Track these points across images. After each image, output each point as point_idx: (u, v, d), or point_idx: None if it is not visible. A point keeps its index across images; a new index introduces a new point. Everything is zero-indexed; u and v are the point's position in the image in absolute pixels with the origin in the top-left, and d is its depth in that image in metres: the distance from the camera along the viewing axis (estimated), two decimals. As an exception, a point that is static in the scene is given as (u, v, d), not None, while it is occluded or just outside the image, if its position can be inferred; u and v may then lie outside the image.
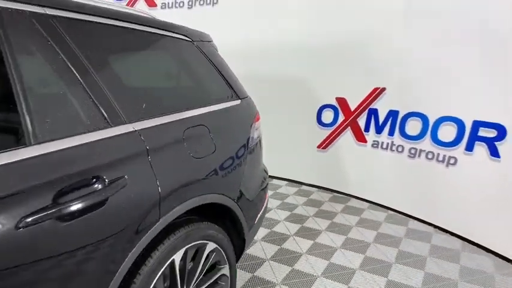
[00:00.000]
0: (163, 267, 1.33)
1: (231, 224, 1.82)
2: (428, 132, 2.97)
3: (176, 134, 1.43)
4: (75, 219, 1.00)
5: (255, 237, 2.80)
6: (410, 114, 3.10)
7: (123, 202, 1.13)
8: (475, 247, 2.72)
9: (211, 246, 1.59)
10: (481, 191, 2.66)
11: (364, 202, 3.57)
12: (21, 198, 0.89)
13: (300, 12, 3.58)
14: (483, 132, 2.62)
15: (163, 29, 1.63)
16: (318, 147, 3.83)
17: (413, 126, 3.09)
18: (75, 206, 1.00)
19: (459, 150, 2.78)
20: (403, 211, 3.27)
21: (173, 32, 1.70)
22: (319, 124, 3.77)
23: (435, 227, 3.02)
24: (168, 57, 1.69)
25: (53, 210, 0.94)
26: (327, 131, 3.74)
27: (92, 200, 1.04)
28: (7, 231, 0.85)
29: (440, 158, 2.91)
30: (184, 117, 1.52)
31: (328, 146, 3.77)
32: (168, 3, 4.38)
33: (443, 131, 2.87)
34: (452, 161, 2.83)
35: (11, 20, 1.02)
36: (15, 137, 0.98)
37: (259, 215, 2.08)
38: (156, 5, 4.43)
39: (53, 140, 1.01)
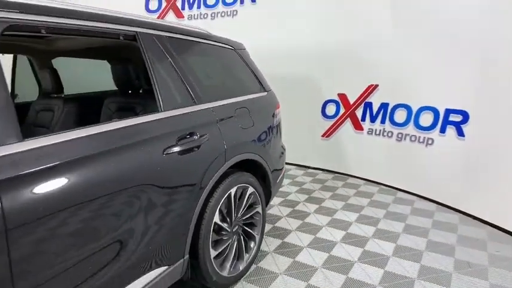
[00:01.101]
0: (225, 196, 2.08)
1: (262, 179, 2.55)
2: (412, 120, 3.71)
3: (231, 112, 2.18)
4: (186, 154, 1.75)
5: (274, 203, 3.54)
6: (398, 106, 3.84)
7: (207, 149, 1.89)
8: (446, 208, 3.44)
9: (250, 190, 2.34)
10: (451, 163, 3.38)
11: (361, 180, 4.30)
12: (161, 139, 1.65)
13: (308, 22, 4.32)
14: (452, 117, 3.35)
15: (217, 42, 2.39)
16: (322, 136, 4.58)
17: (400, 115, 3.83)
18: (186, 146, 1.75)
19: (435, 133, 3.51)
20: (392, 185, 4.00)
21: (223, 43, 2.46)
22: (323, 116, 4.52)
23: (417, 195, 3.74)
24: (221, 61, 2.44)
25: (176, 147, 1.69)
26: (330, 122, 4.48)
27: (193, 144, 1.79)
28: (157, 158, 1.60)
29: (421, 140, 3.64)
30: (234, 101, 2.28)
31: (331, 134, 4.51)
32: (194, 15, 5.14)
33: (423, 118, 3.61)
34: (430, 141, 3.56)
35: (146, 39, 1.78)
36: (155, 107, 1.74)
37: (280, 176, 2.83)
38: (183, 17, 5.20)
39: (171, 109, 1.77)
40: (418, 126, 3.67)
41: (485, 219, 3.11)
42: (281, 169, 2.88)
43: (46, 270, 1.18)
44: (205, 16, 5.06)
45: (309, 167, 4.80)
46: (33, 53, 2.66)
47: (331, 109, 4.44)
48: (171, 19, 5.17)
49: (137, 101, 2.13)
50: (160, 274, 1.69)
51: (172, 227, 1.72)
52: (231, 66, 2.52)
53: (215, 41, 2.38)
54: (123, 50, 2.49)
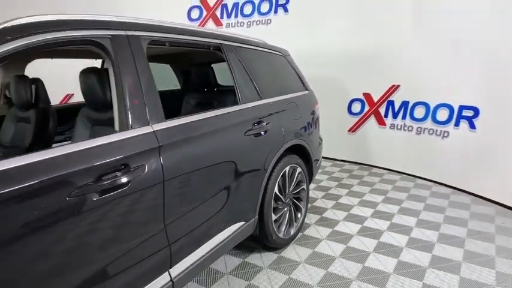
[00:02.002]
0: (281, 173, 2.62)
1: (306, 162, 3.08)
2: (430, 115, 4.19)
3: (284, 106, 2.73)
4: (258, 137, 2.30)
5: (309, 188, 4.07)
6: (417, 103, 4.33)
7: (272, 134, 2.44)
8: (460, 191, 3.91)
9: (299, 169, 2.88)
10: (464, 152, 3.85)
11: (384, 169, 4.79)
12: (243, 124, 2.20)
13: (336, 29, 4.84)
14: (465, 112, 3.82)
15: (271, 49, 2.94)
16: (348, 131, 5.08)
17: (419, 112, 4.31)
18: (258, 130, 2.30)
19: (450, 126, 3.99)
20: (412, 173, 4.48)
21: (275, 50, 3.01)
22: (349, 113, 5.03)
23: (434, 182, 4.21)
24: (274, 64, 2.98)
25: (252, 131, 2.25)
26: (355, 118, 4.99)
27: (262, 129, 2.34)
28: (241, 137, 2.16)
29: (438, 133, 4.12)
30: (286, 97, 2.82)
31: (356, 129, 5.02)
32: (231, 23, 5.72)
33: (440, 113, 4.09)
34: (446, 134, 4.04)
35: (227, 49, 2.34)
36: (234, 100, 2.30)
37: (319, 161, 3.36)
38: (222, 25, 5.79)
39: (246, 102, 2.32)
40: (435, 121, 4.15)
41: (494, 199, 3.58)
42: (319, 155, 3.41)
43: (181, 210, 1.74)
44: (242, 24, 5.63)
45: (336, 159, 5.31)
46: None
47: (356, 107, 4.95)
48: (210, 27, 5.76)
49: (214, 96, 2.70)
50: (240, 227, 2.25)
51: (249, 193, 2.28)
52: (281, 69, 3.06)
53: (269, 49, 2.93)
54: (204, 57, 3.01)
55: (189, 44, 2.10)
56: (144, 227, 1.55)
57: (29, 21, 1.33)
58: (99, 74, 1.77)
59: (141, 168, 1.50)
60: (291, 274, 2.42)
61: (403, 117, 4.50)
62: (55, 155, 1.25)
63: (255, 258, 2.63)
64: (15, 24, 1.30)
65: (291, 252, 2.72)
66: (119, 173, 1.41)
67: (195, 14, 5.94)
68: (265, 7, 5.48)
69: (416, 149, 4.41)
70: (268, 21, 5.42)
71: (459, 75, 3.84)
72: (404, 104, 4.48)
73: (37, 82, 2.36)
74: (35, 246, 1.17)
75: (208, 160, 1.90)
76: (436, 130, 4.15)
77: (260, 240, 2.61)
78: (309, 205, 3.58)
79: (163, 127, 1.67)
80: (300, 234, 2.98)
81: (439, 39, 4.00)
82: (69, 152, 1.30)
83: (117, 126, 1.56)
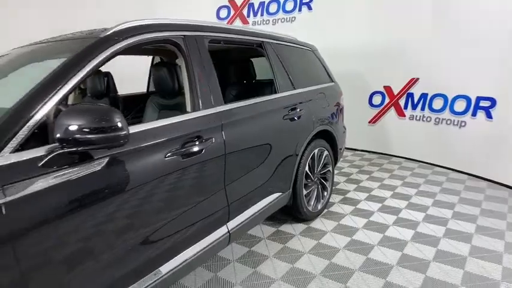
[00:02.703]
0: (311, 155, 3.00)
1: (331, 147, 3.45)
2: (448, 106, 4.48)
3: (314, 95, 3.10)
4: (293, 121, 2.69)
5: (335, 172, 4.43)
6: (436, 95, 4.61)
7: (304, 120, 2.82)
8: (476, 177, 4.20)
9: (325, 152, 3.25)
10: (481, 141, 4.13)
11: (402, 158, 5.10)
12: (280, 109, 2.59)
13: (358, 25, 5.16)
14: (482, 103, 4.10)
15: (301, 45, 3.31)
16: (369, 122, 5.40)
17: (437, 103, 4.60)
18: (293, 116, 2.69)
19: (468, 117, 4.27)
20: (429, 162, 4.78)
21: (304, 46, 3.38)
22: (370, 105, 5.35)
23: (451, 169, 4.51)
24: (304, 58, 3.34)
25: (289, 116, 2.64)
26: (376, 110, 5.30)
27: (296, 115, 2.73)
28: (280, 121, 2.55)
29: (456, 123, 4.40)
30: (315, 88, 3.19)
31: (376, 121, 5.34)
32: (257, 21, 6.10)
33: (457, 104, 4.37)
34: (463, 124, 4.32)
35: (268, 45, 2.73)
36: (273, 89, 2.69)
37: (343, 147, 3.72)
38: (248, 23, 6.17)
39: (283, 91, 2.71)
40: (453, 111, 4.44)
41: (507, 184, 3.86)
42: (343, 142, 3.77)
43: (236, 177, 2.15)
44: (267, 22, 6.01)
45: (356, 149, 5.64)
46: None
47: (377, 99, 5.26)
48: (237, 24, 6.15)
49: (253, 87, 3.10)
50: (278, 197, 2.64)
51: (286, 168, 2.67)
52: (310, 63, 3.43)
53: (300, 45, 3.30)
54: (246, 52, 3.37)
55: (238, 41, 2.50)
56: (211, 186, 1.97)
57: (132, 25, 1.75)
58: (169, 68, 2.19)
59: (210, 139, 1.91)
60: (320, 240, 2.81)
61: (422, 109, 4.79)
62: (157, 125, 1.69)
63: (287, 227, 3.02)
64: (122, 28, 1.72)
65: (319, 223, 3.10)
66: (196, 142, 1.83)
67: (223, 13, 6.35)
68: (289, 5, 5.83)
69: (434, 139, 4.70)
70: (293, 19, 5.78)
71: (476, 67, 4.11)
72: (423, 96, 4.77)
73: (108, 75, 2.81)
74: (148, 187, 1.60)
75: (255, 137, 2.31)
76: (454, 120, 4.43)
77: (292, 211, 2.99)
78: (333, 187, 3.95)
79: (223, 109, 2.08)
80: (325, 210, 3.36)
81: (457, 33, 4.27)
82: (163, 124, 1.72)
83: (189, 108, 1.97)
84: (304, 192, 2.98)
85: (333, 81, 3.66)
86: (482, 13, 4.01)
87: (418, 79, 4.81)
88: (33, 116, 1.30)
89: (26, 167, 1.23)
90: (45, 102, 1.34)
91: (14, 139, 1.24)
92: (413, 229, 2.95)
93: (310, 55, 3.45)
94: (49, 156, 1.27)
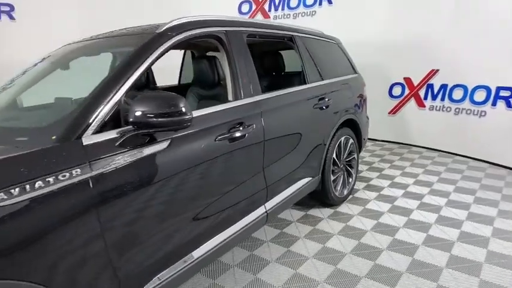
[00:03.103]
0: (337, 142, 3.15)
1: (356, 134, 3.58)
2: (468, 97, 4.56)
3: (340, 86, 3.24)
4: (322, 110, 2.85)
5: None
6: (456, 86, 4.69)
7: (331, 109, 2.97)
8: (496, 165, 4.28)
9: (351, 140, 3.40)
10: (500, 130, 4.21)
11: (422, 148, 5.20)
12: (311, 99, 2.75)
13: (377, 18, 5.25)
14: (503, 93, 4.17)
15: (327, 38, 3.45)
16: (389, 113, 5.51)
17: (457, 93, 4.68)
18: (322, 105, 2.85)
19: (488, 106, 4.35)
20: (449, 151, 4.87)
21: (329, 39, 3.51)
22: (390, 96, 5.44)
23: (471, 158, 4.59)
24: (329, 51, 3.48)
25: (318, 105, 2.80)
26: (396, 101, 5.40)
27: (325, 104, 2.88)
28: (311, 109, 2.71)
29: (476, 113, 4.48)
30: (340, 79, 3.33)
31: (396, 111, 5.43)
32: (278, 15, 6.23)
33: (477, 94, 4.45)
34: (483, 113, 4.40)
35: (297, 39, 2.88)
36: (302, 80, 2.84)
37: (366, 136, 3.86)
38: (269, 17, 6.31)
39: (312, 82, 2.87)
40: (473, 101, 4.52)
41: (529, 171, 3.95)
42: (367, 131, 3.91)
43: (273, 160, 2.33)
44: (288, 16, 6.13)
45: (376, 140, 5.75)
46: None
47: (397, 90, 5.36)
48: (259, 17, 6.30)
49: (283, 78, 3.26)
50: (308, 181, 2.81)
51: (315, 154, 2.84)
52: (335, 55, 3.56)
53: (326, 38, 3.44)
54: (276, 46, 3.53)
55: (271, 35, 2.66)
56: (252, 168, 2.15)
57: (182, 22, 1.93)
58: (210, 61, 2.37)
59: (251, 126, 2.09)
60: (348, 222, 2.97)
61: (442, 99, 4.88)
62: (210, 112, 1.88)
63: (315, 212, 3.19)
64: (174, 24, 1.90)
65: (345, 208, 3.26)
66: (240, 128, 2.01)
67: (245, 7, 6.50)
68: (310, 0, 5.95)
69: (454, 128, 4.78)
70: (313, 13, 5.89)
71: (496, 57, 4.18)
72: (443, 86, 4.85)
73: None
74: (202, 167, 1.79)
75: (290, 124, 2.48)
76: (474, 110, 4.51)
77: (321, 195, 3.15)
78: (364, 184, 4.09)
79: (262, 98, 2.25)
80: (350, 196, 3.51)
81: (477, 24, 4.34)
82: (214, 111, 1.91)
83: (230, 97, 2.14)
84: (332, 178, 3.13)
85: (356, 73, 3.79)
86: (502, 4, 4.06)
87: (438, 70, 4.88)
88: (108, 102, 1.49)
89: (106, 146, 1.42)
90: (117, 91, 1.53)
91: (94, 123, 1.43)
92: (436, 213, 3.08)
93: (335, 47, 3.59)
94: (124, 137, 1.47)
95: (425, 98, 5.07)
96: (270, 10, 6.30)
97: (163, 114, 1.46)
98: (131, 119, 1.45)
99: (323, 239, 2.72)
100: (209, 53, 3.06)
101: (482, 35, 4.31)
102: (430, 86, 4.99)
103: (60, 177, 1.25)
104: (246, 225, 2.15)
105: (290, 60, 3.36)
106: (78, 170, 1.30)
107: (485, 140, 4.43)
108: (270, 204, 2.36)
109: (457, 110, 4.72)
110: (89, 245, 1.34)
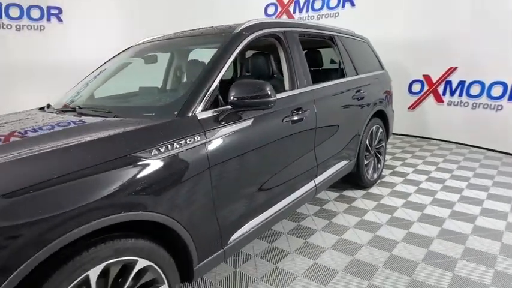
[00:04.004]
0: (370, 131, 3.53)
1: (385, 124, 3.95)
2: (485, 92, 4.90)
3: (371, 80, 3.63)
4: (359, 100, 3.24)
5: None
6: (473, 82, 5.04)
7: (366, 100, 3.36)
8: (510, 156, 4.63)
9: (380, 130, 3.78)
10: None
11: (440, 141, 5.55)
12: (350, 90, 3.15)
13: (398, 19, 5.62)
14: (518, 88, 4.53)
15: (358, 37, 3.84)
16: (409, 108, 5.87)
17: (475, 89, 5.03)
18: (359, 96, 3.24)
19: (504, 101, 4.69)
20: (466, 143, 5.22)
21: (360, 38, 3.90)
22: (409, 93, 5.81)
23: (487, 149, 4.93)
24: (360, 49, 3.87)
25: (356, 95, 3.19)
26: (415, 97, 5.76)
27: (360, 96, 3.28)
28: (351, 99, 3.11)
29: (492, 107, 4.83)
30: (371, 74, 3.72)
31: (416, 107, 5.80)
32: (303, 17, 6.63)
33: (494, 90, 4.80)
34: (499, 107, 4.75)
35: (337, 38, 3.28)
36: (340, 74, 3.24)
37: (393, 125, 4.23)
38: (294, 18, 6.70)
39: (349, 76, 3.26)
40: (490, 96, 4.86)
41: (543, 160, 4.29)
42: (393, 122, 4.28)
43: (322, 141, 2.72)
44: (312, 18, 6.52)
45: (395, 134, 6.11)
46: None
47: (416, 87, 5.72)
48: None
49: (322, 72, 3.66)
50: (346, 163, 3.20)
51: (352, 140, 3.23)
52: (365, 52, 3.95)
53: (357, 37, 3.83)
54: (317, 44, 3.90)
55: (316, 35, 3.06)
56: (307, 147, 2.56)
57: (253, 23, 2.34)
58: (266, 57, 2.77)
59: (307, 111, 2.49)
60: (380, 201, 3.36)
61: (460, 95, 5.23)
62: (280, 97, 2.27)
63: (349, 193, 3.58)
64: (248, 25, 2.31)
65: (375, 190, 3.64)
66: (299, 112, 2.41)
67: (270, 10, 6.91)
68: (333, 1, 6.33)
69: (471, 122, 5.13)
70: (336, 15, 6.28)
71: (512, 56, 4.53)
72: (461, 83, 5.20)
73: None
74: (273, 143, 2.19)
75: (335, 111, 2.88)
76: (491, 104, 4.86)
77: (355, 177, 3.52)
78: (390, 171, 4.46)
79: (314, 88, 2.65)
80: (379, 180, 3.89)
81: (494, 23, 4.69)
82: (285, 96, 2.33)
83: (287, 87, 2.54)
84: (365, 161, 3.52)
85: (383, 69, 4.17)
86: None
87: (456, 68, 5.24)
88: (210, 88, 1.90)
89: (213, 120, 1.84)
90: (215, 80, 1.94)
91: (202, 103, 1.84)
92: (458, 193, 3.45)
93: (365, 46, 3.98)
94: (224, 114, 1.88)
95: (444, 93, 5.43)
96: (294, 12, 6.70)
97: (255, 97, 1.87)
98: (230, 100, 1.86)
99: (360, 214, 3.11)
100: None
101: (499, 33, 4.65)
102: (449, 83, 5.35)
103: (187, 141, 1.67)
104: (302, 194, 2.55)
105: (325, 57, 3.76)
106: (198, 137, 1.72)
107: (501, 132, 4.77)
108: (318, 179, 2.76)
109: (474, 105, 5.07)
110: (202, 192, 1.75)
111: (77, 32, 5.98)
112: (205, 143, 1.74)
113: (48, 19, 5.80)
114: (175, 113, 1.77)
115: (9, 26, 5.48)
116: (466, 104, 5.17)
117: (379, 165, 3.86)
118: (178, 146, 1.62)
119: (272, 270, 2.33)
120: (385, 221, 2.95)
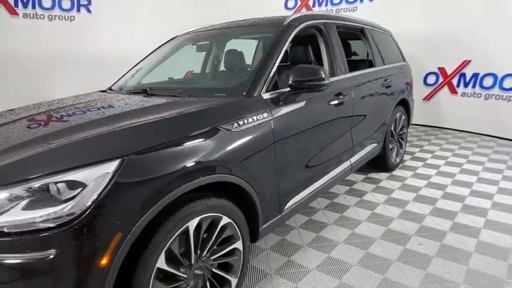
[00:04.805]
0: (394, 117, 3.80)
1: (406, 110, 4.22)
2: (497, 84, 5.16)
3: (396, 70, 3.89)
4: (387, 88, 3.51)
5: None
6: (487, 74, 5.30)
7: (392, 88, 3.63)
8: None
9: (404, 117, 4.05)
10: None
11: (454, 130, 5.81)
12: (380, 78, 3.41)
13: (416, 14, 5.85)
14: (530, 80, 4.78)
15: (382, 30, 4.09)
16: (423, 99, 6.12)
17: (488, 81, 5.29)
18: (387, 84, 3.50)
19: (516, 92, 4.96)
20: (478, 132, 5.48)
21: (384, 31, 4.15)
22: (424, 84, 6.06)
23: (499, 137, 5.20)
24: (385, 40, 4.11)
25: (385, 83, 3.46)
26: (430, 89, 6.02)
27: (388, 84, 3.54)
28: (380, 86, 3.37)
29: (504, 98, 5.09)
30: (395, 65, 3.98)
31: (430, 98, 6.05)
32: (322, 10, 6.85)
33: (507, 82, 5.05)
34: (511, 98, 5.01)
35: (366, 30, 3.54)
36: (368, 64, 3.50)
37: (413, 111, 4.49)
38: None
39: (378, 66, 3.52)
40: (502, 88, 5.12)
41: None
42: (413, 111, 4.54)
43: (357, 123, 2.99)
44: (331, 12, 6.75)
45: (410, 124, 6.36)
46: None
47: (431, 79, 5.97)
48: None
49: (352, 62, 3.91)
50: (374, 146, 3.47)
51: (381, 124, 3.50)
52: (389, 44, 4.20)
53: (381, 29, 4.08)
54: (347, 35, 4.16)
55: (350, 27, 3.32)
56: (346, 128, 2.83)
57: (301, 15, 2.61)
58: (305, 47, 3.03)
59: (346, 96, 2.76)
60: (404, 182, 3.64)
61: (473, 87, 5.48)
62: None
63: (374, 175, 3.85)
64: (296, 17, 2.57)
65: (398, 172, 3.92)
66: (340, 97, 2.68)
67: (290, 3, 7.14)
68: (351, -4, 6.56)
69: (484, 112, 5.39)
70: (355, 9, 6.51)
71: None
72: (475, 75, 5.45)
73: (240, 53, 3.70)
74: (322, 122, 2.46)
75: (368, 96, 3.14)
76: (503, 95, 5.12)
77: (381, 159, 3.78)
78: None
79: (351, 75, 2.92)
80: (401, 164, 4.16)
81: (507, 18, 4.92)
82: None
83: (328, 74, 2.81)
84: (390, 146, 3.79)
85: (405, 61, 4.42)
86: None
87: (470, 61, 5.48)
88: (270, 72, 2.16)
89: (275, 100, 2.10)
90: (274, 65, 2.21)
91: (265, 85, 2.11)
92: (475, 175, 3.73)
93: (389, 38, 4.23)
94: (284, 95, 2.15)
95: (458, 85, 5.68)
96: (314, 6, 6.93)
97: (312, 80, 2.14)
98: (289, 83, 2.13)
99: (387, 192, 3.39)
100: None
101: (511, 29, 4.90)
102: (463, 75, 5.60)
103: (258, 117, 1.94)
104: (341, 171, 2.84)
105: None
106: (265, 114, 1.99)
107: (512, 121, 5.04)
108: (353, 159, 3.04)
109: (487, 96, 5.33)
110: (268, 163, 2.03)
111: (105, 23, 6.23)
112: (270, 120, 2.01)
113: (78, 10, 6.05)
114: (244, 93, 2.04)
115: (42, 16, 5.73)
116: (479, 95, 5.43)
117: (401, 150, 4.13)
118: (251, 121, 1.89)
119: (315, 238, 2.62)
120: (411, 199, 3.23)
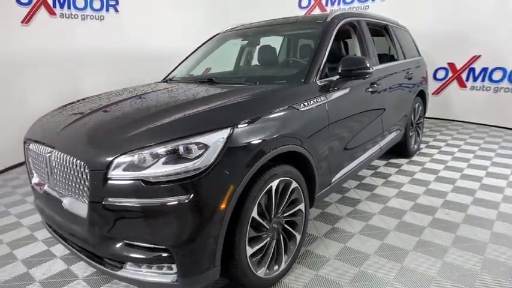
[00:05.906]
0: (414, 106, 4.14)
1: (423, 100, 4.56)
2: (506, 77, 5.51)
3: (414, 64, 4.23)
4: (408, 80, 3.85)
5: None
6: (496, 68, 5.64)
7: (413, 80, 3.97)
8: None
9: (421, 107, 4.39)
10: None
11: (463, 122, 6.16)
12: (404, 70, 3.75)
13: (426, 12, 6.19)
14: (537, 74, 5.13)
15: (400, 26, 4.43)
16: (433, 93, 6.46)
17: (497, 75, 5.63)
18: (408, 76, 3.85)
19: (523, 85, 5.31)
20: (487, 123, 5.83)
21: (401, 26, 4.49)
22: (434, 79, 6.40)
23: (507, 128, 5.55)
24: (403, 36, 4.45)
25: (407, 75, 3.80)
26: (440, 83, 6.36)
27: (409, 76, 3.89)
28: (404, 77, 3.72)
29: (513, 91, 5.45)
30: (414, 59, 4.32)
31: (440, 92, 6.40)
32: (334, 10, 7.18)
33: (515, 75, 5.41)
34: (519, 91, 5.37)
35: (390, 27, 3.87)
36: (391, 58, 3.84)
37: (429, 100, 4.83)
38: (326, 11, 7.27)
39: (400, 60, 3.86)
40: (511, 81, 5.47)
41: (558, 136, 4.91)
42: (428, 101, 4.89)
43: (387, 111, 3.34)
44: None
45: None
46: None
47: (441, 74, 6.32)
48: (316, 11, 7.26)
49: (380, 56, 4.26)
50: (398, 133, 3.81)
51: (404, 112, 3.84)
52: (407, 40, 4.53)
53: (399, 26, 4.42)
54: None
55: (377, 24, 3.66)
56: (378, 114, 3.17)
57: (341, 13, 2.94)
58: (337, 41, 3.36)
59: (380, 85, 3.10)
60: (423, 166, 3.98)
61: (482, 80, 5.83)
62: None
63: (394, 161, 4.19)
64: (337, 13, 2.91)
65: (417, 158, 4.27)
66: (374, 85, 3.02)
67: (304, 2, 7.47)
68: (363, -5, 6.89)
69: (492, 104, 5.74)
70: (366, 7, 6.83)
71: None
72: (484, 70, 5.80)
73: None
74: (361, 109, 2.80)
75: (395, 86, 3.49)
76: (511, 88, 5.47)
77: (402, 145, 4.11)
78: (415, 139, 5.08)
79: (381, 67, 3.26)
80: (418, 151, 4.51)
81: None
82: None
83: (362, 66, 3.14)
84: (410, 134, 4.14)
85: (420, 56, 4.76)
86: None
87: (479, 56, 5.83)
88: (322, 62, 2.50)
89: (328, 86, 2.44)
90: (324, 57, 2.54)
91: (319, 73, 2.44)
92: (489, 160, 4.08)
93: (406, 34, 4.57)
94: (333, 82, 2.49)
95: (467, 79, 6.03)
96: (327, 5, 7.25)
97: (359, 68, 2.47)
98: (339, 71, 2.47)
99: (410, 174, 3.74)
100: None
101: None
102: (472, 70, 5.94)
103: (317, 100, 2.28)
104: (373, 153, 3.18)
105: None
106: (322, 97, 2.33)
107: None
108: (382, 142, 3.38)
109: (495, 89, 5.68)
110: (324, 139, 2.35)
111: (132, 23, 6.55)
112: (325, 102, 2.35)
113: (107, 10, 6.35)
114: (302, 80, 2.38)
115: (75, 16, 6.03)
116: (488, 89, 5.78)
117: (418, 138, 4.48)
118: (313, 103, 2.23)
119: (352, 211, 2.97)
120: (433, 179, 3.58)
